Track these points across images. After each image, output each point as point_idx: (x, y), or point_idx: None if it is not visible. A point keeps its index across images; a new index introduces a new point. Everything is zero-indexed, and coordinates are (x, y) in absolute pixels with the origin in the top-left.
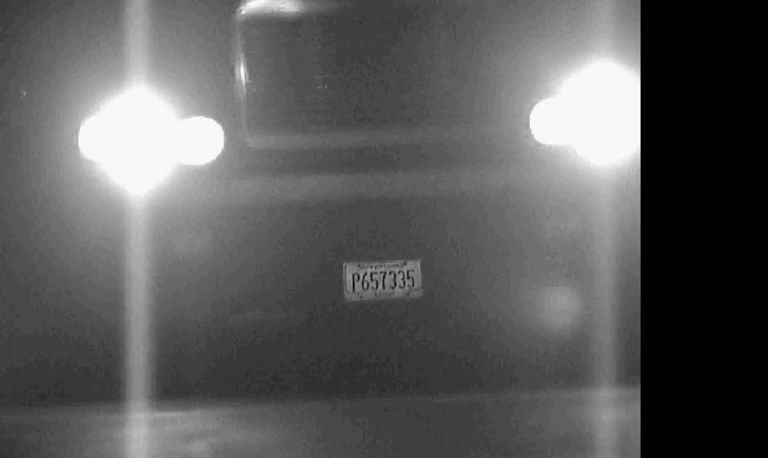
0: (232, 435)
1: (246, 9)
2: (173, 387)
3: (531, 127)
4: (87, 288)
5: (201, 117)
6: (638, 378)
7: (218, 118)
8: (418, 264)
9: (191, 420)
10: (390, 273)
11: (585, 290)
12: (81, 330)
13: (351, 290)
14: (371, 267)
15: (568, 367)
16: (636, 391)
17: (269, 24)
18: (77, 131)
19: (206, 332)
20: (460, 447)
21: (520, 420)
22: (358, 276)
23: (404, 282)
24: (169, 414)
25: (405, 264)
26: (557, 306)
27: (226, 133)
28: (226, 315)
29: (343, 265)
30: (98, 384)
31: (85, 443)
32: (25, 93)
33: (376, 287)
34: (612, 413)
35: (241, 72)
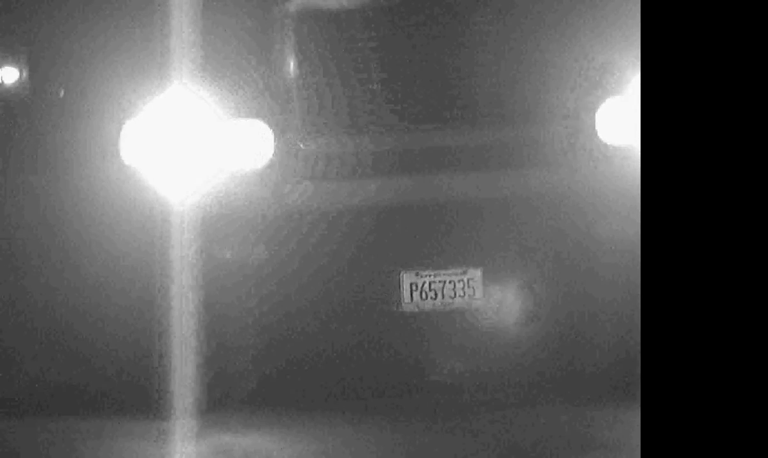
0: (288, 450)
1: (298, 1)
2: (223, 401)
3: (596, 126)
4: (129, 302)
5: (250, 119)
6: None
7: (268, 120)
8: (479, 272)
9: (244, 435)
10: (450, 282)
11: None
12: (124, 343)
13: (409, 300)
14: (430, 276)
15: (629, 378)
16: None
17: (323, 17)
18: (117, 134)
19: (256, 346)
20: None
21: (595, 432)
22: (416, 286)
23: (465, 292)
24: (217, 429)
25: (465, 272)
26: (625, 316)
27: (276, 136)
28: (278, 328)
29: (401, 274)
30: (138, 396)
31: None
32: (62, 92)
33: (435, 297)
34: None
35: (293, 70)
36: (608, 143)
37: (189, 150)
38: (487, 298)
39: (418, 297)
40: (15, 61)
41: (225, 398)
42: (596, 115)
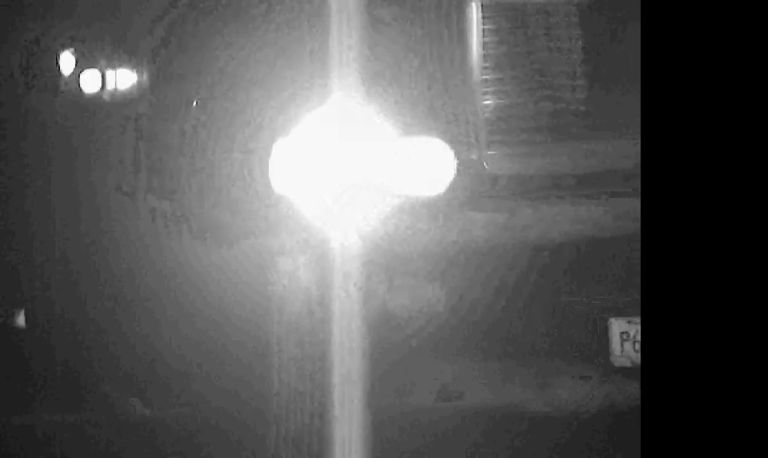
0: None
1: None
2: None
3: None
4: (282, 354)
5: (426, 136)
6: None
7: (448, 137)
8: None
9: None
10: None
11: None
12: (278, 396)
13: (619, 352)
14: None
15: None
16: None
17: (514, 13)
18: (265, 155)
19: (430, 412)
20: None
21: None
22: (627, 335)
23: None
24: None
25: None
26: None
27: (458, 156)
28: (454, 384)
29: (609, 321)
30: None
31: None
32: (196, 101)
33: None
34: None
35: (476, 79)
36: None
37: (351, 174)
38: None
39: (631, 348)
40: (132, 65)
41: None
42: None
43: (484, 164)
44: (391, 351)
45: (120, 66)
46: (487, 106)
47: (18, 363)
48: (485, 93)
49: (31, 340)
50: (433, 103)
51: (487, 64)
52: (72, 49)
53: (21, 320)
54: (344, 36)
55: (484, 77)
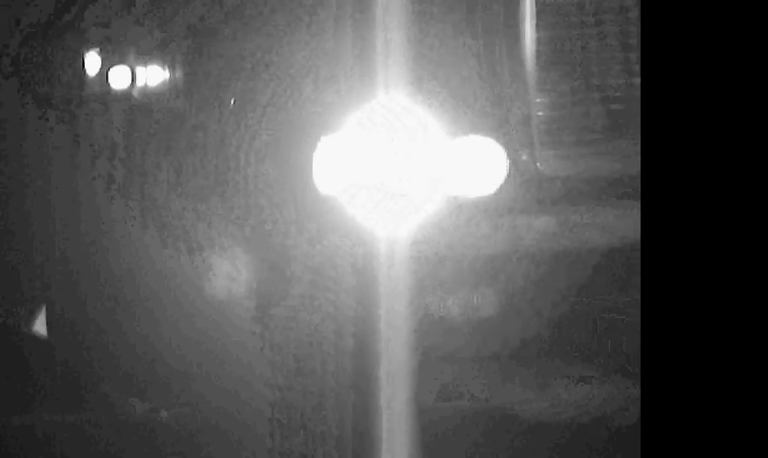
0: None
1: None
2: None
3: None
4: (326, 366)
5: (476, 135)
6: None
7: (499, 136)
8: None
9: None
10: None
11: None
12: (320, 409)
13: None
14: None
15: None
16: None
17: (568, 8)
18: (308, 155)
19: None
20: None
21: None
22: None
23: None
24: None
25: None
26: None
27: (510, 156)
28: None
29: None
30: None
31: None
32: (234, 101)
33: None
34: None
35: (530, 75)
36: None
37: (399, 174)
38: None
39: None
40: (164, 62)
41: None
42: None
43: (537, 164)
44: (438, 356)
45: (151, 62)
46: (540, 103)
47: (18, 363)
48: (539, 90)
49: (31, 340)
50: (484, 100)
51: (540, 61)
52: (100, 45)
53: (42, 325)
54: (391, 31)
55: (538, 74)
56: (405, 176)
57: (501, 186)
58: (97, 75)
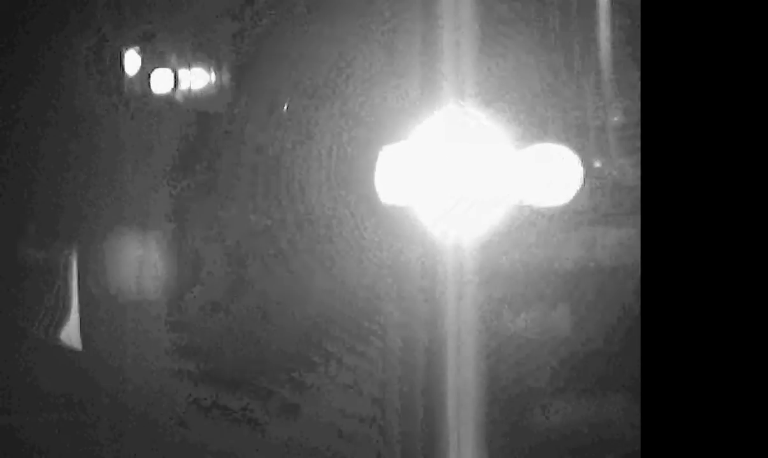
0: None
1: None
2: None
3: None
4: (392, 385)
5: (549, 143)
6: None
7: (574, 144)
8: None
9: None
10: None
11: None
12: (388, 429)
13: None
14: None
15: None
16: None
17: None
18: (371, 165)
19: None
20: None
21: None
22: None
23: None
24: None
25: None
26: None
27: (585, 164)
28: (572, 413)
29: None
30: None
31: None
32: (287, 104)
33: None
34: None
35: (606, 78)
36: None
37: (467, 185)
38: None
39: None
40: (210, 64)
41: None
42: None
43: (613, 173)
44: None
45: (195, 64)
46: (615, 109)
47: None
48: (615, 96)
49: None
50: (558, 106)
51: (616, 65)
52: (140, 46)
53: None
54: (460, 35)
55: (614, 78)
56: (474, 186)
57: (575, 196)
58: (138, 77)
